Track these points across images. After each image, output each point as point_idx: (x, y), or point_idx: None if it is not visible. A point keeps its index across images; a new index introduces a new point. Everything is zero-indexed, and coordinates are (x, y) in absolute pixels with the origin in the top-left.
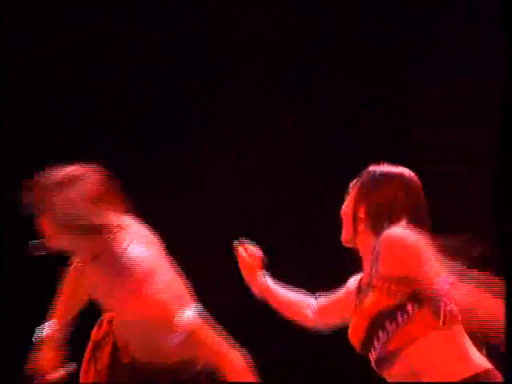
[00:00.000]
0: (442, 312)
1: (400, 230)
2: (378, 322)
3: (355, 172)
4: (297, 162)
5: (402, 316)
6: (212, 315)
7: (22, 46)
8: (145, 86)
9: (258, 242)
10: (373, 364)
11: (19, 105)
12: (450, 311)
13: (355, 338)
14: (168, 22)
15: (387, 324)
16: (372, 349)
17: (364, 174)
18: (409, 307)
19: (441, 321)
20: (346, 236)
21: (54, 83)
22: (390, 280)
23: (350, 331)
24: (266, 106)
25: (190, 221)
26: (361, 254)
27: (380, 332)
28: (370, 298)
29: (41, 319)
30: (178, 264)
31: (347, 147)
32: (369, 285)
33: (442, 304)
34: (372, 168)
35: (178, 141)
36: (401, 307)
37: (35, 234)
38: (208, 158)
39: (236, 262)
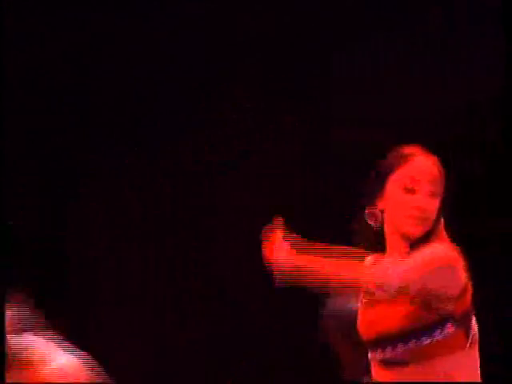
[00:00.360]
0: (471, 333)
1: (447, 249)
2: (410, 334)
3: (355, 172)
4: (297, 162)
5: (441, 333)
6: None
7: (22, 46)
8: (145, 86)
9: (258, 243)
10: (376, 356)
11: (19, 105)
12: (474, 331)
13: (370, 332)
14: (168, 22)
15: (423, 338)
16: (390, 347)
17: (439, 166)
18: (449, 325)
19: (468, 342)
20: (422, 233)
21: (54, 83)
22: (431, 296)
23: (362, 325)
24: (265, 106)
25: (190, 221)
26: (389, 247)
27: (411, 341)
28: (403, 309)
29: None
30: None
31: (347, 147)
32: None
33: (473, 324)
34: (430, 157)
35: (178, 141)
36: (441, 324)
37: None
38: (208, 157)
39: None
